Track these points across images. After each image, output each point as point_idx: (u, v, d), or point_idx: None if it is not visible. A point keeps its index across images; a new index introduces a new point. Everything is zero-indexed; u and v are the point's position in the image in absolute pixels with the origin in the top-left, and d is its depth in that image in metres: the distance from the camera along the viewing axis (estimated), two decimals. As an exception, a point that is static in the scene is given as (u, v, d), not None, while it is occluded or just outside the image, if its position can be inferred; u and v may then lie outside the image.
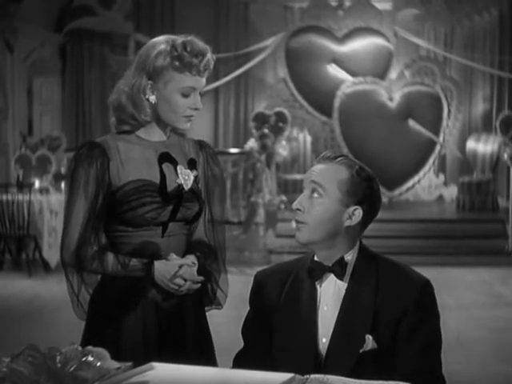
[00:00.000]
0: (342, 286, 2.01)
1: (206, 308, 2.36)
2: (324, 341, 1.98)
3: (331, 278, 2.02)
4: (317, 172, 2.03)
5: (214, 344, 2.36)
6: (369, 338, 1.93)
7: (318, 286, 2.03)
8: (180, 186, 2.22)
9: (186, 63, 2.16)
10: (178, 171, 2.24)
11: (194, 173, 2.27)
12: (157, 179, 2.21)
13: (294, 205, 2.02)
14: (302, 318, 2.02)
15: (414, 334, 1.94)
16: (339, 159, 2.03)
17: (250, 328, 2.13)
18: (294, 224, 2.05)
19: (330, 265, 2.01)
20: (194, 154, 2.31)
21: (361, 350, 1.92)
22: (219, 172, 2.37)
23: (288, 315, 2.04)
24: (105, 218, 2.21)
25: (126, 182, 2.18)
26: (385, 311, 1.95)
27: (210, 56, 2.20)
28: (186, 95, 2.19)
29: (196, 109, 2.21)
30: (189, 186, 2.24)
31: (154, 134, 2.26)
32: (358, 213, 2.00)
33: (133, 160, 2.21)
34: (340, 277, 2.00)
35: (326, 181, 2.00)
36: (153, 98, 2.20)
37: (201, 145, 2.35)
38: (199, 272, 2.22)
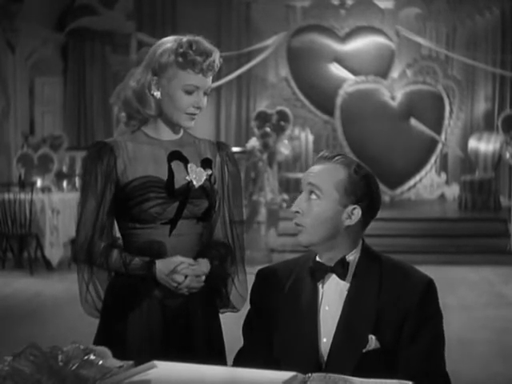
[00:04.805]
0: (344, 286, 2.00)
1: (221, 311, 2.36)
2: (325, 340, 1.97)
3: (333, 278, 2.01)
4: (314, 173, 2.01)
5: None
6: (372, 337, 1.92)
7: (319, 286, 2.02)
8: (190, 183, 2.24)
9: (190, 61, 2.19)
10: (189, 169, 2.25)
11: (208, 171, 2.28)
12: (164, 176, 2.23)
13: (293, 207, 2.01)
14: (303, 317, 2.00)
15: (417, 334, 1.92)
16: (336, 158, 2.01)
17: (250, 326, 2.12)
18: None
19: (332, 265, 2.00)
20: (210, 155, 2.33)
21: (364, 350, 1.91)
22: (237, 172, 2.39)
23: (289, 314, 2.02)
24: (114, 215, 2.26)
25: (132, 179, 2.22)
26: (388, 312, 1.94)
27: (215, 57, 2.22)
28: (189, 92, 2.21)
29: (199, 107, 2.23)
30: (200, 183, 2.25)
31: (164, 133, 2.29)
32: (357, 212, 1.99)
33: (140, 158, 2.25)
34: (342, 277, 1.99)
35: (323, 182, 1.99)
36: (157, 94, 2.24)
37: (218, 146, 2.38)
38: (212, 274, 2.23)
